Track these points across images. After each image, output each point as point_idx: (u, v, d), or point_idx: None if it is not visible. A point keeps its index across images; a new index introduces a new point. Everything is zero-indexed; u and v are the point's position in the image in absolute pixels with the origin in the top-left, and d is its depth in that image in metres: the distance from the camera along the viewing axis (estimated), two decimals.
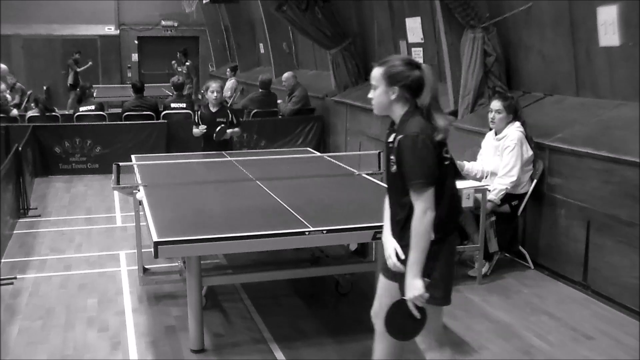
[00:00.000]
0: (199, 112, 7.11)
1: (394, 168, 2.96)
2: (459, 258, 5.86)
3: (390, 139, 2.99)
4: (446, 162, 2.98)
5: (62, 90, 19.06)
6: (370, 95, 3.03)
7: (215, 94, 6.91)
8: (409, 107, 2.95)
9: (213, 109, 6.97)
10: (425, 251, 2.88)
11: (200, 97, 13.70)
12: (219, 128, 6.85)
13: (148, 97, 11.31)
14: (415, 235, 2.87)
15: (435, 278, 2.96)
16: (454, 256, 3.13)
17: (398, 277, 3.02)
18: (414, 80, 2.92)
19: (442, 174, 2.94)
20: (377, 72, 2.99)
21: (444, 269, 3.00)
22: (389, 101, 2.97)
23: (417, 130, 2.86)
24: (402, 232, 2.99)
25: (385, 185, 3.17)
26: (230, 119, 7.02)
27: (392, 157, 2.96)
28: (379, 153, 5.89)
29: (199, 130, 6.93)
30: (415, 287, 2.87)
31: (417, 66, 2.96)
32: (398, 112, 2.97)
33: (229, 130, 6.93)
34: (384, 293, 3.20)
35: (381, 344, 3.35)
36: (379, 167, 5.78)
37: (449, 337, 4.42)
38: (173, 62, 17.97)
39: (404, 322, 2.94)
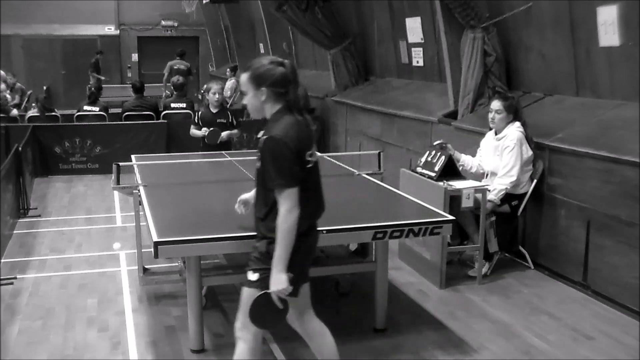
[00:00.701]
0: (199, 113, 7.14)
1: (258, 164, 3.10)
2: (458, 258, 5.87)
3: (259, 135, 3.17)
4: (309, 165, 3.10)
5: (62, 90, 19.08)
6: (244, 102, 3.14)
7: (216, 95, 6.96)
8: (280, 106, 3.06)
9: (214, 110, 7.02)
10: (290, 247, 3.02)
11: (200, 97, 13.71)
12: (209, 131, 6.84)
13: (148, 97, 11.31)
14: (281, 232, 3.00)
15: (291, 271, 3.09)
16: (313, 253, 3.31)
17: (255, 285, 3.14)
18: (278, 77, 3.01)
19: (305, 176, 3.07)
20: (244, 78, 3.08)
21: (298, 264, 3.13)
22: (260, 103, 3.07)
23: (280, 133, 2.97)
24: (263, 226, 3.12)
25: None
26: (230, 120, 7.05)
27: (259, 153, 3.08)
28: (379, 153, 5.88)
29: (201, 132, 6.93)
30: (280, 281, 3.03)
31: (280, 64, 3.05)
32: (269, 111, 3.09)
33: (224, 133, 6.94)
34: (248, 302, 3.20)
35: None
36: (379, 167, 5.78)
37: (448, 337, 4.44)
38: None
39: (267, 313, 3.11)
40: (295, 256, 3.08)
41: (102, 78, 17.78)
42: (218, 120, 6.97)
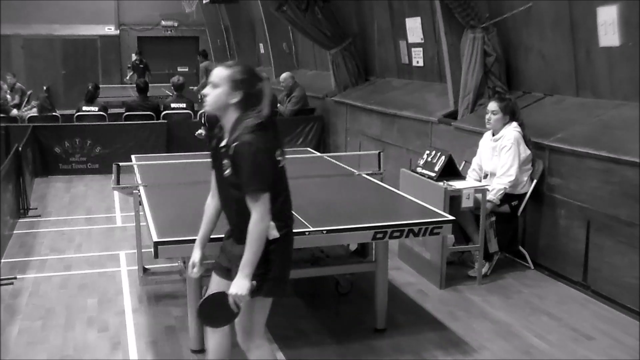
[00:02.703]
0: (205, 115, 7.12)
1: (227, 172, 3.05)
2: (459, 258, 5.87)
3: (223, 144, 3.08)
4: (280, 165, 3.10)
5: (62, 90, 19.07)
6: (206, 92, 3.09)
7: None
8: (242, 113, 3.04)
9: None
10: (258, 254, 3.00)
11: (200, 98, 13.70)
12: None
13: (151, 97, 11.32)
14: (251, 238, 2.97)
15: (274, 273, 3.10)
16: (291, 252, 3.26)
17: (228, 276, 3.14)
18: (257, 90, 3.05)
19: (277, 176, 3.06)
20: (222, 72, 3.05)
21: (281, 265, 3.14)
22: (226, 103, 3.04)
23: (251, 139, 2.95)
24: (242, 234, 3.04)
25: (216, 189, 3.31)
26: None
27: (225, 160, 3.05)
28: (379, 153, 5.88)
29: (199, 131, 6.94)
30: (241, 286, 2.99)
31: (260, 78, 3.11)
32: (232, 116, 3.05)
33: None
34: (215, 290, 3.23)
35: (212, 340, 3.41)
36: (379, 167, 5.78)
37: (448, 337, 4.44)
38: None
39: (218, 311, 3.06)
40: (276, 258, 3.09)
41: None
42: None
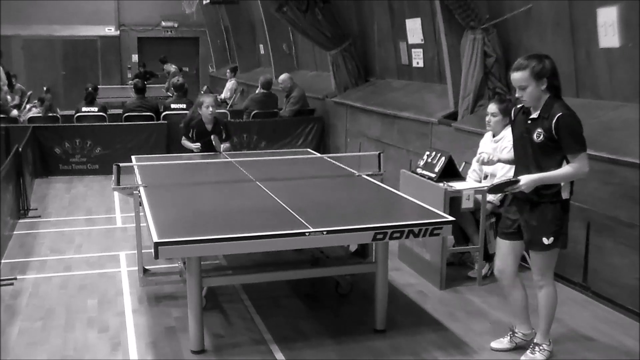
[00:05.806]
0: (194, 130, 6.81)
1: (540, 138, 3.69)
2: (459, 259, 5.87)
3: (534, 116, 3.74)
4: None
5: (62, 91, 19.09)
6: (519, 94, 3.74)
7: (210, 108, 6.69)
8: (550, 93, 3.71)
9: (208, 126, 6.75)
10: (554, 181, 3.69)
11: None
12: (213, 138, 6.69)
13: (149, 97, 11.31)
14: (565, 171, 3.68)
15: (565, 229, 3.82)
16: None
17: (516, 237, 3.94)
18: (552, 69, 3.71)
19: None
20: (523, 75, 3.69)
21: (567, 222, 3.85)
22: (539, 92, 3.71)
23: (568, 110, 3.65)
24: (546, 193, 3.74)
25: (515, 156, 4.01)
26: (222, 134, 6.81)
27: (539, 129, 3.69)
28: (379, 154, 5.88)
29: (193, 145, 6.74)
30: (528, 185, 3.69)
31: (546, 57, 3.73)
32: (544, 98, 3.72)
33: (222, 146, 6.72)
34: (508, 253, 4.05)
35: (514, 290, 4.17)
36: (379, 168, 5.77)
37: (448, 337, 4.44)
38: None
39: (502, 187, 3.85)
40: (566, 215, 3.81)
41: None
42: (212, 136, 6.76)
